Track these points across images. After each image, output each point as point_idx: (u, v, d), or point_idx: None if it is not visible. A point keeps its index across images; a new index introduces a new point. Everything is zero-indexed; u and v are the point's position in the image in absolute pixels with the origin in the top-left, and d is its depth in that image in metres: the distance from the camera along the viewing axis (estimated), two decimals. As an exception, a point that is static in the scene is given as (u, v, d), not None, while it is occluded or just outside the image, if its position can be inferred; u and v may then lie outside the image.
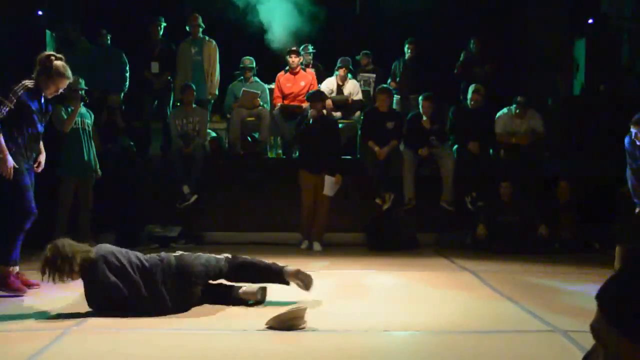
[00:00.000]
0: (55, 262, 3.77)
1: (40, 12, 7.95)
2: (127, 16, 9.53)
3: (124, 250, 4.07)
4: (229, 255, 4.31)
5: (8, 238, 4.62)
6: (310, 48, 9.35)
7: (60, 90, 4.78)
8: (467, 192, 7.68)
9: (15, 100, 4.49)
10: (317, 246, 7.20)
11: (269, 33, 8.84)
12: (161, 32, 8.79)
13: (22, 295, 4.55)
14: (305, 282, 4.28)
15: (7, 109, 4.45)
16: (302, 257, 6.72)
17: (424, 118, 7.90)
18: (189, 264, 4.05)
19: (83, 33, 8.82)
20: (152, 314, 3.86)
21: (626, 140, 5.93)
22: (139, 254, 4.10)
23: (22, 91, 4.53)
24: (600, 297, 1.14)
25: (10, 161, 4.48)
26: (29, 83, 4.60)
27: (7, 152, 4.47)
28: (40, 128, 4.78)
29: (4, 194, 4.60)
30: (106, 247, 4.03)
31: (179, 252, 4.22)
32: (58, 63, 4.63)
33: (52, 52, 4.78)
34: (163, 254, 4.17)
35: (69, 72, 4.70)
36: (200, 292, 4.12)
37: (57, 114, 6.73)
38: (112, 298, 3.85)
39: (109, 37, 8.78)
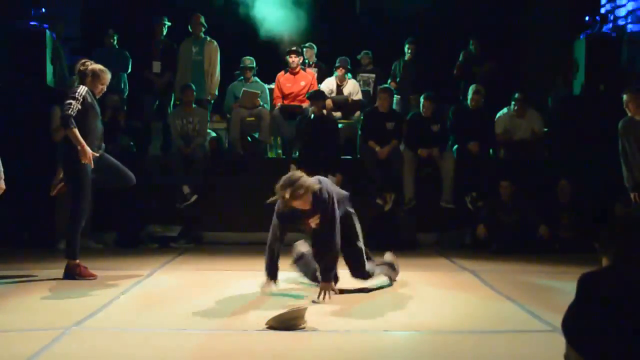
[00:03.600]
0: (296, 187, 4.41)
1: (43, 10, 7.92)
2: (129, 15, 9.53)
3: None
4: None
5: (75, 234, 5.15)
6: (315, 46, 9.37)
7: (105, 87, 5.36)
8: (467, 192, 7.68)
9: (81, 100, 5.01)
10: (317, 246, 7.17)
11: (268, 33, 8.84)
12: (164, 32, 8.77)
13: (95, 279, 5.10)
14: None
15: (77, 108, 4.97)
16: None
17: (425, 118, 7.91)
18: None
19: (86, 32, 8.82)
20: None
21: None
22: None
23: (84, 92, 5.07)
24: (563, 324, 1.18)
25: (89, 150, 4.98)
26: (84, 87, 5.13)
27: (84, 143, 4.96)
28: (100, 124, 5.35)
29: (73, 192, 5.14)
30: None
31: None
32: (94, 65, 5.26)
33: (84, 59, 5.35)
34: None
35: (105, 68, 5.34)
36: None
37: (54, 115, 6.73)
38: None
39: (115, 37, 8.77)
